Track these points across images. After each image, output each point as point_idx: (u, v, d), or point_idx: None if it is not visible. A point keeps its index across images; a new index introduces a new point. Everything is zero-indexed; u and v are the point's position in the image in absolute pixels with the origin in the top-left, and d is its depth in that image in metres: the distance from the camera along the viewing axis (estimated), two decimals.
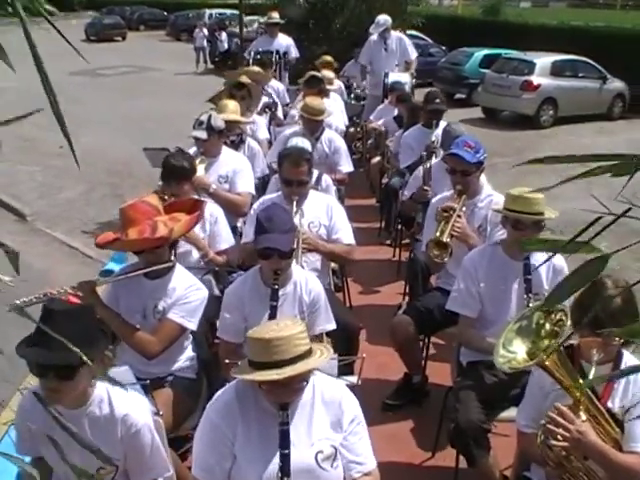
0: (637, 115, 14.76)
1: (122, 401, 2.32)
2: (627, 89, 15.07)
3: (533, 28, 18.21)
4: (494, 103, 14.92)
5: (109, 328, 2.80)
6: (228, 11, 30.64)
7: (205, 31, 23.26)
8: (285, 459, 2.06)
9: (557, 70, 14.47)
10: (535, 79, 14.12)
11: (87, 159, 10.60)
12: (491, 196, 3.96)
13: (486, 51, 16.96)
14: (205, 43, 23.05)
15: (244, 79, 6.43)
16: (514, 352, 2.40)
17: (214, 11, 30.97)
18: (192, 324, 3.02)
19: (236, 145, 5.29)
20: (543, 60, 14.49)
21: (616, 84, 14.96)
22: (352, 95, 9.39)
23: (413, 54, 9.53)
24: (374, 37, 9.37)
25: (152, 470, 2.39)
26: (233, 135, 5.23)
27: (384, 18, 9.27)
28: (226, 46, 21.80)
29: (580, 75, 14.75)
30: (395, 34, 9.50)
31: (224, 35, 21.91)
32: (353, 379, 2.80)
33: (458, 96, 16.24)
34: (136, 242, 2.96)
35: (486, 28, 19.70)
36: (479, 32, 18.55)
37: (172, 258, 3.35)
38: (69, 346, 1.72)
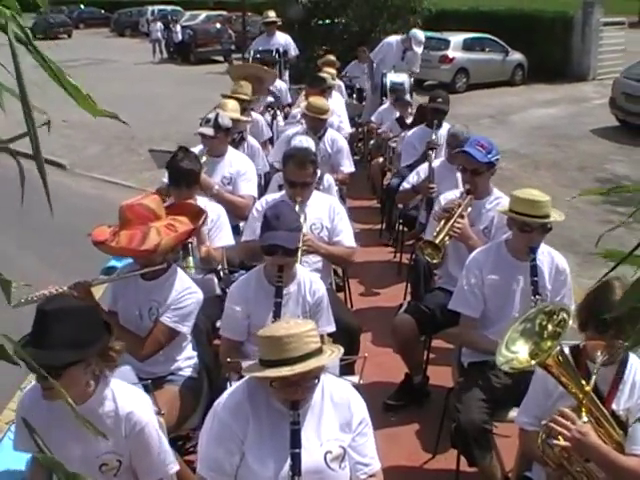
0: (534, 81, 17.41)
1: (126, 399, 2.29)
2: (525, 60, 17.75)
3: (448, 12, 20.84)
4: (418, 74, 17.57)
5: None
6: (169, 7, 32.74)
7: (160, 24, 24.86)
8: (296, 458, 2.05)
9: (468, 46, 17.13)
10: (450, 53, 16.69)
11: (92, 128, 12.66)
12: (500, 199, 3.85)
13: None
14: (160, 35, 24.59)
15: (242, 90, 6.02)
16: (515, 352, 2.33)
17: (155, 7, 32.65)
18: (185, 328, 2.99)
19: (236, 143, 5.24)
20: (456, 38, 17.06)
21: (516, 56, 17.61)
22: (354, 96, 9.19)
23: (418, 68, 9.75)
24: (394, 43, 9.34)
25: (160, 468, 2.34)
26: (234, 133, 5.17)
27: (422, 35, 9.35)
28: (180, 37, 23.47)
29: (487, 49, 17.45)
30: (416, 49, 9.45)
31: (178, 27, 23.52)
32: (354, 379, 2.75)
33: None
34: (122, 250, 2.98)
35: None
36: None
37: (184, 254, 3.47)
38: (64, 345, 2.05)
